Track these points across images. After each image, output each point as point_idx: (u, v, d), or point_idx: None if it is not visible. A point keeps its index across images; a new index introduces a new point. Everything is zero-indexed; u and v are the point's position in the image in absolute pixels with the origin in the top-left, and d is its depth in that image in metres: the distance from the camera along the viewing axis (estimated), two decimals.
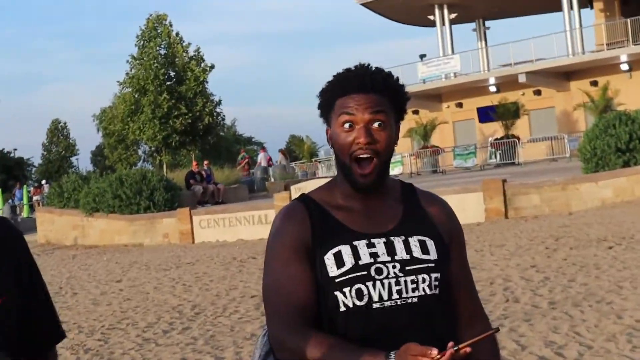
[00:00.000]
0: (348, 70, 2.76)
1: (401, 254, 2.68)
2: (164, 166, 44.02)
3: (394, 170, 39.14)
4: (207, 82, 46.77)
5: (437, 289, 2.69)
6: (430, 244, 2.73)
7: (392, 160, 2.93)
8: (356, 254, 2.64)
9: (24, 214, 42.78)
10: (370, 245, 2.67)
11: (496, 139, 42.56)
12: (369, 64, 2.77)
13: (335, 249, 2.65)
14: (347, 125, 2.65)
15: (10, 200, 48.46)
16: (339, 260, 2.64)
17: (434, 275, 2.68)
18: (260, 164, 41.81)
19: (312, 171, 45.65)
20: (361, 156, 2.65)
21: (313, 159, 49.26)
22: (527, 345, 9.14)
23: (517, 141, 41.47)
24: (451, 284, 2.78)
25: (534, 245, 16.84)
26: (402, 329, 2.61)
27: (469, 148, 42.37)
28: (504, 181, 23.28)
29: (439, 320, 2.70)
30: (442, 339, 2.53)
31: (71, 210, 30.89)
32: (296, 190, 25.22)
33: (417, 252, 2.69)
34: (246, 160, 45.74)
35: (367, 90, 2.66)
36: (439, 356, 2.37)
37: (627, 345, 8.86)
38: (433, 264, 2.69)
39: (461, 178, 31.99)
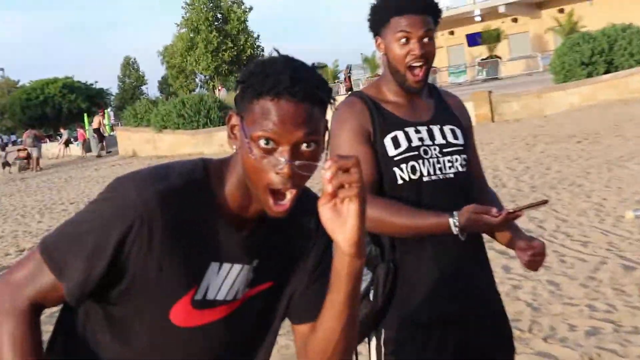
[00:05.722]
0: None
1: (439, 139, 2.67)
2: (222, 90, 43.77)
3: None
4: (247, 21, 46.55)
5: (465, 167, 2.70)
6: (458, 131, 2.73)
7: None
8: (408, 138, 2.63)
9: (106, 133, 42.58)
10: (417, 131, 2.66)
11: (482, 59, 42.14)
12: None
13: (392, 134, 2.63)
14: (403, 40, 2.61)
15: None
16: (395, 142, 2.62)
17: (462, 156, 2.70)
18: None
19: (335, 90, 45.55)
20: (414, 64, 2.63)
21: (335, 81, 49.04)
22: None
23: (499, 60, 40.96)
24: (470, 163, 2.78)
25: (516, 142, 16.64)
26: (444, 197, 2.60)
27: (460, 67, 42.08)
28: (490, 92, 23.00)
29: (468, 192, 2.70)
30: None
31: (144, 128, 30.82)
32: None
33: (450, 138, 2.70)
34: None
35: (419, 11, 2.63)
36: (496, 214, 2.38)
37: (596, 218, 8.78)
38: (462, 147, 2.71)
39: (455, 91, 31.51)
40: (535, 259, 2.68)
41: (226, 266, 1.69)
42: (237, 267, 1.71)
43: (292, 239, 1.79)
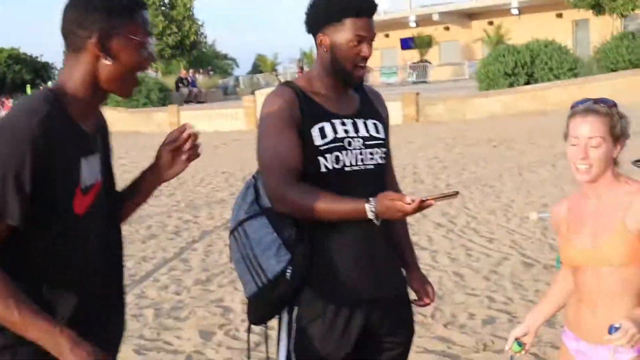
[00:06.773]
0: None
1: (363, 132, 2.71)
2: (159, 73, 43.21)
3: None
4: (193, 9, 46.13)
5: (384, 160, 2.77)
6: (380, 126, 2.78)
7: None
8: (334, 130, 2.66)
9: None
10: (343, 124, 2.68)
11: (413, 63, 42.60)
12: None
13: (320, 125, 2.64)
14: (356, 42, 2.62)
15: None
16: (322, 133, 2.64)
17: (382, 149, 2.76)
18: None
19: (272, 81, 45.16)
20: (361, 64, 2.67)
21: (273, 72, 48.80)
22: (427, 214, 9.20)
23: (429, 65, 41.49)
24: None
25: (437, 142, 16.90)
26: (364, 186, 2.62)
27: (392, 69, 42.52)
28: (418, 94, 23.33)
29: (384, 182, 2.77)
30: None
31: None
32: (260, 95, 25.03)
33: (373, 132, 2.74)
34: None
35: (371, 15, 2.66)
36: (409, 201, 2.38)
37: (503, 217, 8.99)
38: (382, 141, 2.76)
39: (385, 91, 31.84)
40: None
41: (91, 158, 2.08)
42: (95, 156, 2.11)
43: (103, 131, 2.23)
